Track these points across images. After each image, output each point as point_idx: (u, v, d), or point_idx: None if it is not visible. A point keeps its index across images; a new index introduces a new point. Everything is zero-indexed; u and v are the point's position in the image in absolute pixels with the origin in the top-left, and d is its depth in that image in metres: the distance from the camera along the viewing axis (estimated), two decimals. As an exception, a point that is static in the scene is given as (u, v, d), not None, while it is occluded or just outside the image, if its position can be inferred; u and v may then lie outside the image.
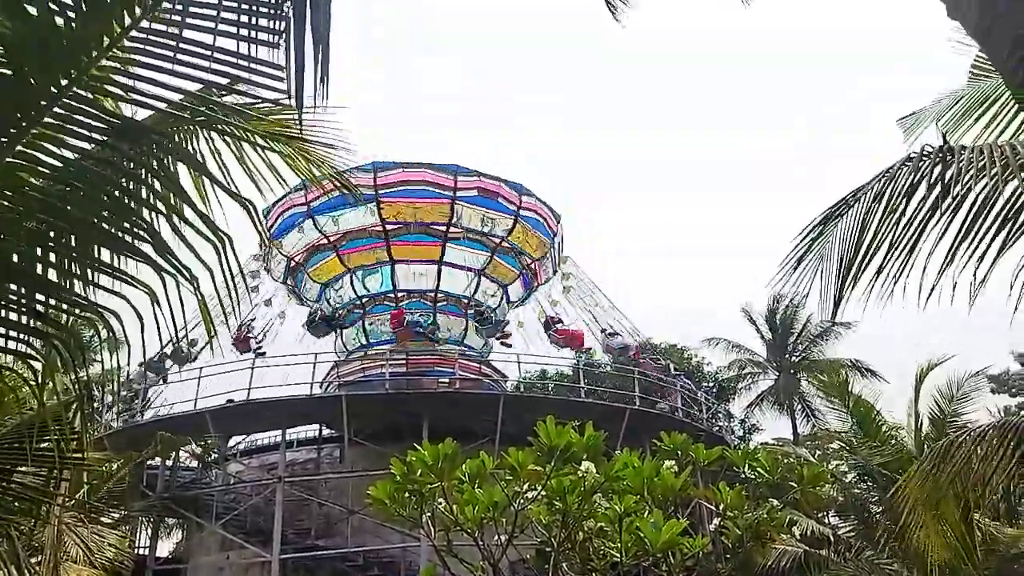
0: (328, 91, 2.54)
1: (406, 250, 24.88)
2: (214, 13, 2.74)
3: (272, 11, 2.73)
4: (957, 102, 5.86)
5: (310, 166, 3.59)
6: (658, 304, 73.29)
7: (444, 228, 24.34)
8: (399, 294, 25.16)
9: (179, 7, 2.73)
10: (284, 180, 3.53)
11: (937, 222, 3.80)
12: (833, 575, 13.43)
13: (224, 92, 3.12)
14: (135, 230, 3.04)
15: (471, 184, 24.26)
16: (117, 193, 3.10)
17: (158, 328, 3.06)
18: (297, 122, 3.28)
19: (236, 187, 3.20)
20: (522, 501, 5.51)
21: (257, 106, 3.25)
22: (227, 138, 3.24)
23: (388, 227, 24.17)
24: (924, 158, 3.91)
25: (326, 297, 26.33)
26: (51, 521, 6.19)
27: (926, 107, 6.28)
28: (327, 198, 22.94)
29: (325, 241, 24.71)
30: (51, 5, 2.60)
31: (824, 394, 16.16)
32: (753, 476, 6.65)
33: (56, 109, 2.81)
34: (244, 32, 2.73)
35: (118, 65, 2.83)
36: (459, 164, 24.06)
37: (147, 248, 3.03)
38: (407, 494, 5.71)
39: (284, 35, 2.63)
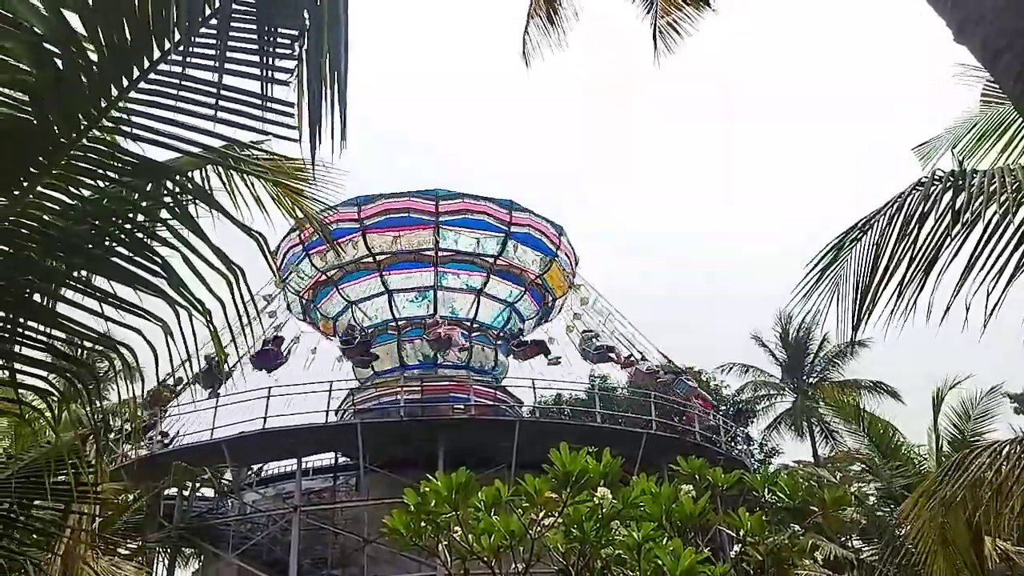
0: (345, 134, 2.55)
1: (451, 278, 25.34)
2: (228, 55, 2.78)
3: (285, 50, 2.76)
4: (972, 128, 5.87)
5: (295, 208, 3.71)
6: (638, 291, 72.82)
7: (492, 259, 25.03)
8: (440, 319, 25.19)
9: (194, 49, 2.77)
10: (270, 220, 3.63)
11: (951, 244, 3.79)
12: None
13: (243, 146, 3.19)
14: (150, 265, 3.07)
15: (524, 221, 25.23)
16: (133, 229, 3.13)
17: (171, 360, 3.09)
18: (297, 167, 3.37)
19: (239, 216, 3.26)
20: (539, 529, 5.46)
21: (262, 147, 3.32)
22: (232, 172, 3.31)
23: (441, 254, 24.47)
24: (935, 183, 3.91)
25: (352, 314, 26.23)
26: (64, 552, 6.20)
27: (941, 134, 6.30)
28: (383, 217, 23.39)
29: (370, 260, 24.80)
30: (76, 56, 2.66)
31: (840, 417, 15.97)
32: (773, 500, 6.56)
33: (75, 150, 2.86)
34: (257, 72, 2.78)
35: (134, 106, 2.88)
36: (514, 200, 25.03)
37: (161, 282, 3.06)
38: (423, 523, 5.68)
39: (296, 74, 2.66)
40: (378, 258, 24.67)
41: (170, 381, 22.10)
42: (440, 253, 24.56)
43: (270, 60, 2.72)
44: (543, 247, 25.90)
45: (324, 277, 25.73)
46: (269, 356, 24.25)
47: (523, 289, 26.29)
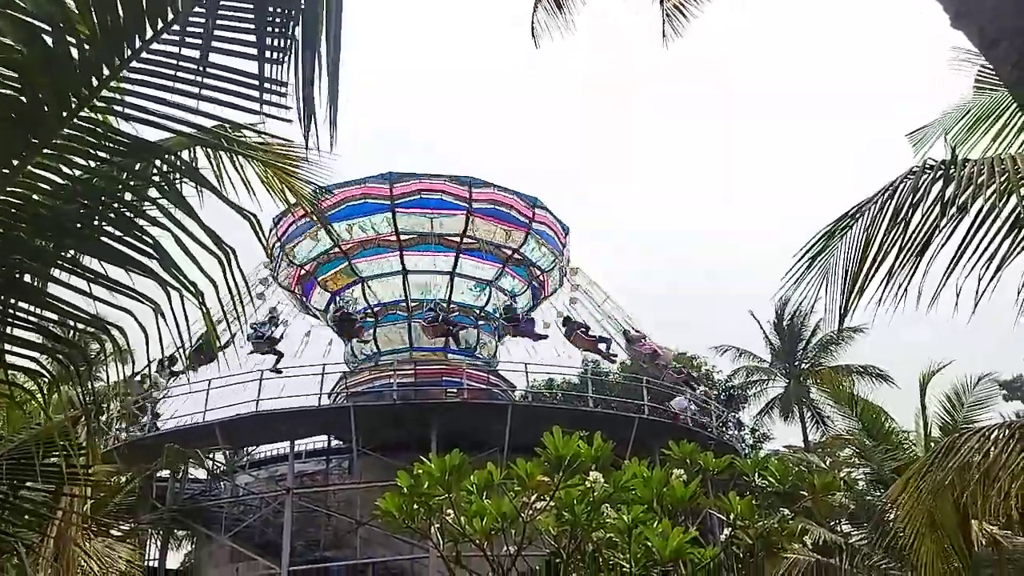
0: (337, 116, 2.53)
1: (420, 260, 25.23)
2: (222, 34, 2.75)
3: (278, 31, 2.74)
4: (965, 114, 5.86)
5: (285, 190, 3.70)
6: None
7: (541, 272, 25.65)
8: (411, 304, 25.13)
9: (188, 29, 2.74)
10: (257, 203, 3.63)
11: (942, 232, 3.80)
12: (845, 584, 13.27)
13: (235, 128, 3.18)
14: (141, 246, 3.06)
15: (538, 216, 25.67)
16: (123, 209, 3.11)
17: (161, 342, 3.08)
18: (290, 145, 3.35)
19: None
20: (530, 512, 5.49)
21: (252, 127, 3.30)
22: (221, 153, 3.30)
23: (402, 237, 24.36)
24: (926, 172, 3.92)
25: (336, 306, 26.23)
26: (57, 535, 6.22)
27: (935, 120, 6.29)
28: (344, 206, 23.28)
29: (337, 250, 24.77)
30: (67, 35, 2.64)
31: (833, 401, 16.05)
32: (764, 485, 6.61)
33: (65, 130, 2.84)
34: (249, 51, 2.76)
35: (126, 85, 2.86)
36: (534, 195, 25.58)
37: (153, 263, 3.05)
38: (415, 506, 5.70)
39: (288, 55, 2.63)
40: (465, 240, 24.78)
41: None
42: (403, 236, 24.63)
43: (265, 40, 2.70)
44: (551, 241, 26.36)
45: (303, 270, 25.73)
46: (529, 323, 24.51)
47: (501, 266, 26.39)
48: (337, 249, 24.78)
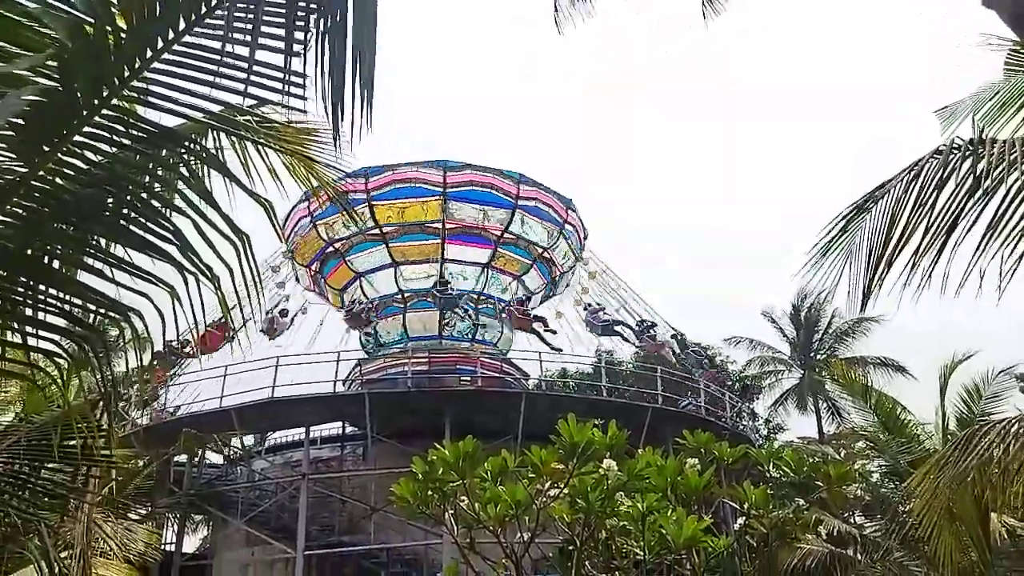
0: (372, 109, 2.52)
1: (458, 250, 25.42)
2: (246, 26, 2.77)
3: (300, 23, 2.74)
4: (995, 95, 5.76)
5: (310, 176, 3.74)
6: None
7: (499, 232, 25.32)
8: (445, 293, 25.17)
9: (215, 22, 2.76)
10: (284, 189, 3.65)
11: (969, 212, 3.73)
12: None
13: (253, 106, 3.19)
14: (160, 231, 3.08)
15: (570, 219, 26.32)
16: (144, 195, 3.14)
17: (176, 326, 3.10)
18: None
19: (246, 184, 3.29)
20: (544, 499, 5.49)
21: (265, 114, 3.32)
22: (235, 139, 3.33)
23: (448, 226, 24.49)
24: (954, 151, 3.84)
25: (359, 287, 26.20)
26: (79, 517, 6.30)
27: (963, 100, 6.20)
28: (391, 188, 23.34)
29: (377, 232, 24.77)
30: (106, 27, 2.67)
31: (847, 393, 15.95)
32: (778, 475, 6.58)
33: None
34: (273, 44, 2.78)
35: (152, 75, 2.89)
36: (572, 200, 26.19)
37: (171, 248, 3.07)
38: (430, 492, 5.72)
39: (313, 44, 2.64)
40: (506, 235, 25.23)
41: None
42: (448, 225, 24.71)
43: (292, 34, 2.72)
44: (552, 220, 26.23)
45: (332, 248, 25.70)
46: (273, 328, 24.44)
47: (531, 263, 26.50)
48: (376, 231, 24.75)
